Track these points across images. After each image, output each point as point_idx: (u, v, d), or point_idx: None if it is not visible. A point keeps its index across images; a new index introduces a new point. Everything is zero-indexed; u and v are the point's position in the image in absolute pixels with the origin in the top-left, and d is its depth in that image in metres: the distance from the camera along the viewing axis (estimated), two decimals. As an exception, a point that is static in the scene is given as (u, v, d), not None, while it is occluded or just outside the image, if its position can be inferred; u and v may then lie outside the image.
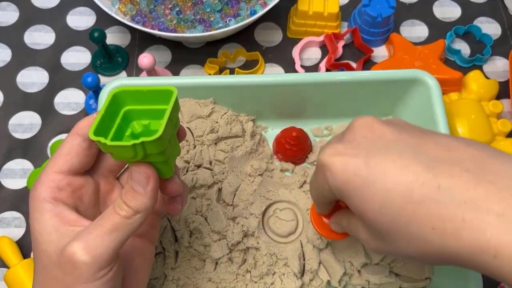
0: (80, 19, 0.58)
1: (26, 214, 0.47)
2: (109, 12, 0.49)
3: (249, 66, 0.55)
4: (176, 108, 0.26)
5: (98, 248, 0.25)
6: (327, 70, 0.54)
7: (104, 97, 0.41)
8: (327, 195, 0.29)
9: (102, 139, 0.24)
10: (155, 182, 0.26)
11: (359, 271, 0.40)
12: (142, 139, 0.23)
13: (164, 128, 0.24)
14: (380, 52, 0.57)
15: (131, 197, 0.25)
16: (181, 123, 0.43)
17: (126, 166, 0.32)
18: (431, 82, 0.43)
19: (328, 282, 0.40)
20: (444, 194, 0.23)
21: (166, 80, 0.44)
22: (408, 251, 0.25)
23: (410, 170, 0.24)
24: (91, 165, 0.29)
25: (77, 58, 0.55)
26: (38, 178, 0.28)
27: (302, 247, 0.40)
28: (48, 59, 0.55)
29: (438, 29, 0.58)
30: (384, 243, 0.27)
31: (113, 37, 0.56)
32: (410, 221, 0.24)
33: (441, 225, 0.23)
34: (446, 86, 0.52)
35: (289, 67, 0.55)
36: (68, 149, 0.28)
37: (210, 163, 0.42)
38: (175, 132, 0.27)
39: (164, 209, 0.31)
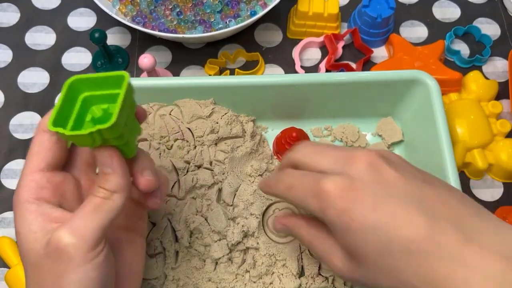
0: (81, 20, 0.58)
1: (26, 214, 0.47)
2: (110, 13, 0.49)
3: (249, 66, 0.55)
4: (129, 91, 0.27)
5: (83, 229, 0.25)
6: (327, 70, 0.54)
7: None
8: (308, 210, 0.29)
9: (60, 129, 0.25)
10: (118, 159, 0.27)
11: None
12: (97, 126, 0.24)
13: (118, 113, 0.25)
14: (380, 53, 0.57)
15: (104, 180, 0.26)
16: (181, 123, 0.43)
17: None
18: (431, 82, 0.43)
19: (333, 283, 0.40)
20: (440, 250, 0.25)
21: (167, 81, 0.44)
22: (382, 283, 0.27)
23: (413, 223, 0.25)
24: (65, 158, 0.29)
25: (77, 58, 0.55)
26: (18, 181, 0.28)
27: (301, 250, 0.40)
28: (49, 59, 0.55)
29: (437, 29, 0.58)
30: (365, 279, 0.28)
31: (113, 38, 0.56)
32: (403, 270, 0.25)
33: (432, 278, 0.25)
34: (446, 87, 0.52)
35: (289, 67, 0.56)
36: (38, 147, 0.28)
37: (211, 163, 0.42)
38: (133, 114, 0.28)
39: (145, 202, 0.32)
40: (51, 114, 0.25)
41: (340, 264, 0.29)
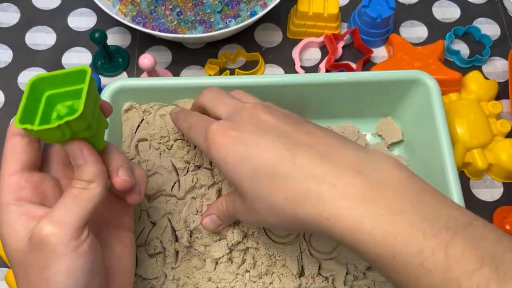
0: (81, 20, 0.58)
1: (27, 214, 0.48)
2: (110, 13, 0.49)
3: (249, 66, 0.55)
4: (92, 85, 0.27)
5: (63, 219, 0.25)
6: (327, 70, 0.54)
7: (104, 98, 0.41)
8: (199, 146, 0.34)
9: (28, 126, 0.25)
10: (88, 149, 0.27)
11: (364, 273, 0.40)
12: (65, 118, 0.25)
13: (84, 105, 0.25)
14: (380, 53, 0.57)
15: (79, 172, 0.27)
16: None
17: None
18: (431, 82, 0.43)
19: (333, 283, 0.40)
20: (297, 170, 0.28)
21: (167, 81, 0.44)
22: (271, 220, 0.30)
23: (275, 150, 0.29)
24: (40, 158, 0.30)
25: (78, 58, 0.56)
26: None
27: (301, 250, 0.41)
28: (49, 59, 0.55)
29: (437, 29, 0.58)
30: (254, 213, 0.31)
31: (113, 38, 0.56)
32: (271, 193, 0.28)
33: (292, 195, 0.28)
34: (446, 87, 0.52)
35: (289, 67, 0.56)
36: (11, 150, 0.28)
37: (210, 163, 0.42)
38: (98, 107, 0.29)
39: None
40: (17, 113, 0.25)
41: (240, 208, 0.33)
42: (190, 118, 0.36)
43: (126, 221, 0.33)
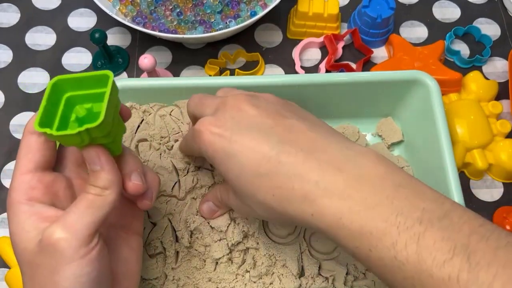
0: (81, 20, 0.58)
1: (27, 215, 0.48)
2: (110, 13, 0.49)
3: (249, 67, 0.55)
4: (114, 90, 0.27)
5: (75, 225, 0.25)
6: (327, 71, 0.54)
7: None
8: (197, 153, 0.35)
9: (47, 130, 0.25)
10: (105, 156, 0.27)
11: (364, 273, 0.40)
12: (86, 126, 0.24)
13: (105, 112, 0.25)
14: (380, 53, 0.57)
15: (94, 178, 0.27)
16: (181, 124, 0.43)
17: None
18: (431, 83, 0.43)
19: (333, 283, 0.40)
20: (282, 169, 0.28)
21: (167, 81, 0.44)
22: (261, 214, 0.31)
23: (260, 149, 0.29)
24: (54, 158, 0.30)
25: (78, 59, 0.56)
26: (10, 185, 0.28)
27: (301, 250, 0.41)
28: (49, 60, 0.55)
29: (437, 30, 0.58)
30: (245, 206, 0.32)
31: (113, 38, 0.56)
32: (258, 190, 0.29)
33: (279, 193, 0.28)
34: (446, 87, 0.52)
35: (289, 68, 0.56)
36: (26, 149, 0.28)
37: (211, 164, 0.42)
38: (117, 112, 0.28)
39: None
40: (37, 115, 0.25)
41: (233, 200, 0.34)
42: (186, 133, 0.37)
43: (135, 225, 0.33)
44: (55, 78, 0.27)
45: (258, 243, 0.40)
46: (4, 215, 0.48)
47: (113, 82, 0.27)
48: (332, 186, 0.27)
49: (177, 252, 0.40)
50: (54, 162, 0.30)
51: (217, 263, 0.40)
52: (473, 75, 0.53)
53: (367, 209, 0.26)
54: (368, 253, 0.26)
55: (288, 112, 0.32)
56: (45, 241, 0.25)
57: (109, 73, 0.27)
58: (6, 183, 0.49)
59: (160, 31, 0.54)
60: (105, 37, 0.50)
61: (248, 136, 0.30)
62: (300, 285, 0.39)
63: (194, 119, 0.36)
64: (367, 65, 0.56)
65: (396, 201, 0.26)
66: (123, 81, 0.43)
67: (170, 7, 0.55)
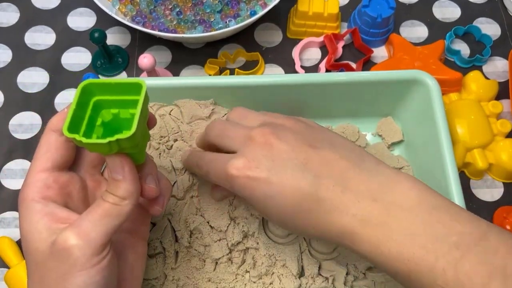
0: (81, 20, 0.58)
1: (26, 214, 0.47)
2: (109, 13, 0.49)
3: (249, 66, 0.55)
4: (146, 101, 0.26)
5: (90, 233, 0.25)
6: (327, 70, 0.54)
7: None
8: (228, 189, 0.33)
9: (76, 136, 0.24)
10: (130, 166, 0.27)
11: (364, 273, 0.40)
12: (116, 136, 0.24)
13: (137, 124, 0.25)
14: (380, 53, 0.57)
15: (115, 187, 0.27)
16: (181, 123, 0.43)
17: None
18: (431, 82, 0.43)
19: (333, 283, 0.40)
20: (321, 205, 0.29)
21: (166, 81, 0.44)
22: (298, 234, 0.36)
23: (299, 188, 0.30)
24: (73, 158, 0.30)
25: (77, 58, 0.55)
26: (24, 180, 0.28)
27: (301, 250, 0.40)
28: (49, 59, 0.55)
29: (437, 29, 0.58)
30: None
31: (113, 38, 0.56)
32: (299, 225, 0.31)
33: (319, 227, 0.30)
34: (446, 87, 0.52)
35: (289, 67, 0.56)
36: (46, 147, 0.28)
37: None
38: (146, 122, 0.28)
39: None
40: (66, 119, 0.25)
41: (264, 216, 0.35)
42: (203, 163, 0.35)
43: (143, 230, 0.33)
44: (86, 81, 0.26)
45: (258, 243, 0.40)
46: (4, 215, 0.48)
47: (146, 93, 0.26)
48: (369, 216, 0.29)
49: (177, 252, 0.40)
50: (71, 162, 0.30)
51: (216, 263, 0.40)
52: (474, 75, 0.53)
53: (404, 236, 0.27)
54: (408, 277, 0.27)
55: (316, 141, 0.32)
56: (59, 246, 0.25)
57: (142, 82, 0.26)
58: (6, 183, 0.49)
59: (159, 30, 0.53)
60: (105, 37, 0.50)
61: (285, 175, 0.30)
62: (300, 285, 0.39)
63: (212, 147, 0.36)
64: (367, 64, 0.56)
65: (432, 225, 0.27)
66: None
67: (170, 7, 0.55)
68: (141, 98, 0.26)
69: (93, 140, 0.25)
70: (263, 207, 0.31)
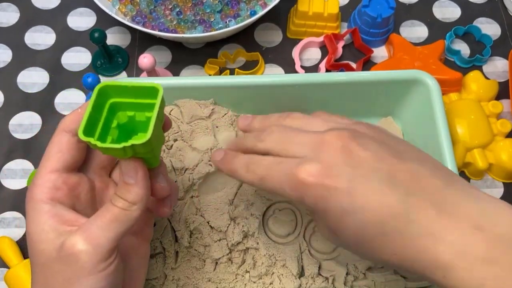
0: (81, 20, 0.58)
1: (26, 214, 0.47)
2: (109, 13, 0.49)
3: (249, 66, 0.55)
4: (162, 105, 0.26)
5: (98, 238, 0.25)
6: (327, 70, 0.54)
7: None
8: (283, 195, 0.28)
9: (92, 140, 0.24)
10: (143, 171, 0.26)
11: (364, 273, 0.40)
12: (131, 141, 0.24)
13: (153, 130, 0.25)
14: (380, 53, 0.57)
15: (125, 191, 0.26)
16: (181, 123, 0.43)
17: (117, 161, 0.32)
18: (431, 82, 0.43)
19: (333, 283, 0.40)
20: (412, 227, 0.25)
21: (166, 81, 0.44)
22: (359, 256, 0.29)
23: (386, 204, 0.25)
24: (83, 159, 0.29)
25: (77, 58, 0.55)
26: (33, 180, 0.28)
27: (301, 250, 0.40)
28: (49, 59, 0.55)
29: (438, 29, 0.58)
30: (347, 247, 0.29)
31: (113, 38, 0.56)
32: (377, 249, 0.26)
33: (402, 252, 0.26)
34: (446, 87, 0.52)
35: (289, 67, 0.56)
36: (58, 147, 0.28)
37: (211, 164, 0.42)
38: (161, 127, 0.28)
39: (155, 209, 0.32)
40: (81, 121, 0.25)
41: (327, 235, 0.30)
42: (258, 168, 0.29)
43: (147, 231, 0.33)
44: (102, 84, 0.26)
45: (258, 243, 0.40)
46: (4, 214, 0.48)
47: (162, 97, 0.26)
48: (472, 248, 0.24)
49: (177, 252, 0.40)
50: (81, 163, 0.29)
51: (216, 263, 0.40)
52: (474, 75, 0.53)
53: None
54: None
55: (401, 152, 0.28)
56: (67, 250, 0.25)
57: (159, 86, 0.26)
58: (5, 183, 0.49)
59: (159, 30, 0.53)
60: (105, 37, 0.50)
61: (370, 188, 0.26)
62: (300, 285, 0.39)
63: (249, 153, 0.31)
64: (367, 64, 0.56)
65: None
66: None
67: (170, 7, 0.55)
68: (157, 103, 0.26)
69: (108, 144, 0.24)
70: (337, 222, 0.27)
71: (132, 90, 0.27)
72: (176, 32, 0.54)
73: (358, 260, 0.40)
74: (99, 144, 0.24)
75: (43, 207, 0.27)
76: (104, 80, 0.54)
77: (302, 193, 0.27)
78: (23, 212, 0.48)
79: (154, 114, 0.25)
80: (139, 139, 0.24)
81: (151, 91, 0.26)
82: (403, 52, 0.54)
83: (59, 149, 0.28)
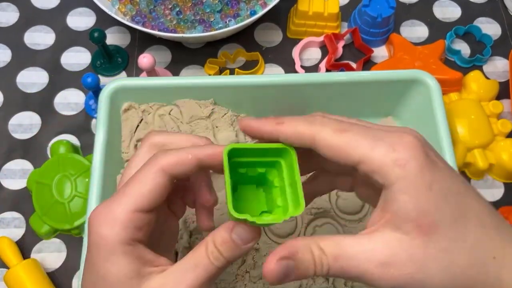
0: (80, 20, 0.58)
1: (25, 215, 0.47)
2: (109, 13, 0.49)
3: (249, 66, 0.55)
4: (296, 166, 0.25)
5: (180, 284, 0.24)
6: (327, 70, 0.54)
7: (103, 98, 0.41)
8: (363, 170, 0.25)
9: (248, 217, 0.23)
10: (257, 237, 0.25)
11: None
12: (289, 214, 0.23)
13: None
14: (380, 53, 0.57)
15: (229, 249, 0.24)
16: (180, 123, 0.43)
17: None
18: (431, 82, 0.43)
19: (333, 283, 0.40)
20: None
21: (166, 81, 0.44)
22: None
23: (477, 263, 0.23)
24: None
25: (77, 58, 0.55)
26: (111, 213, 0.25)
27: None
28: (48, 59, 0.55)
29: (438, 29, 0.58)
30: None
31: (113, 38, 0.56)
32: None
33: None
34: (446, 87, 0.52)
35: (289, 67, 0.55)
36: (152, 187, 0.25)
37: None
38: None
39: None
40: (227, 198, 0.23)
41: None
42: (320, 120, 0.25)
43: (182, 209, 0.31)
44: (229, 146, 0.24)
45: (258, 243, 0.40)
46: (4, 215, 0.47)
47: (295, 160, 0.25)
48: None
49: (176, 253, 0.40)
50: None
51: (216, 263, 0.39)
52: (474, 75, 0.53)
53: None
54: None
55: (462, 188, 0.25)
56: None
57: (291, 148, 0.25)
58: (5, 183, 0.49)
59: (159, 30, 0.53)
60: (104, 37, 0.50)
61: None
62: (300, 285, 0.39)
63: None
64: (367, 64, 0.56)
65: None
66: (122, 80, 0.42)
67: (170, 6, 0.55)
68: (295, 167, 0.24)
69: (268, 221, 0.24)
70: (432, 206, 0.23)
71: (258, 151, 0.25)
72: (176, 32, 0.54)
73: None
74: (257, 220, 0.23)
75: (124, 248, 0.24)
76: (106, 81, 0.53)
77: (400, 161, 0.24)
78: (22, 212, 0.48)
79: (298, 184, 0.24)
80: (294, 212, 0.23)
81: (281, 151, 0.25)
82: (403, 52, 0.54)
83: (153, 189, 0.25)
